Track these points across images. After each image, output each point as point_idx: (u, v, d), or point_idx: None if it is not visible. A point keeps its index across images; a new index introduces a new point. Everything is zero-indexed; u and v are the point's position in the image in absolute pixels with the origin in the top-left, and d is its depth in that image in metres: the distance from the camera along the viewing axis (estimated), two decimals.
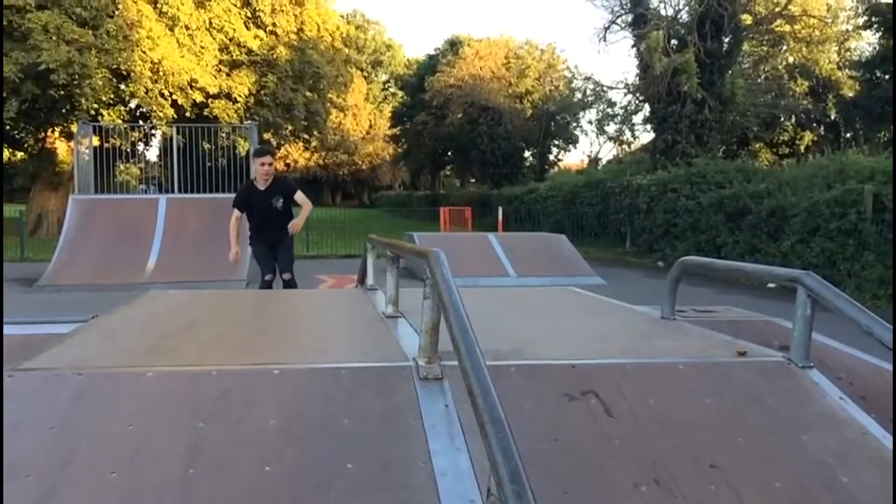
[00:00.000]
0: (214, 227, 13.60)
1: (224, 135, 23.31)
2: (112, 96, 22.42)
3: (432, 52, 49.89)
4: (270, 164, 6.89)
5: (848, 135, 28.41)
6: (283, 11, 25.60)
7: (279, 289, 7.04)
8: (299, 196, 7.07)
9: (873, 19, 26.01)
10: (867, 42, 28.22)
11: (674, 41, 21.15)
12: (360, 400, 2.36)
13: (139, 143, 24.01)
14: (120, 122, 21.79)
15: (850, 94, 27.77)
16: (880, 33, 25.98)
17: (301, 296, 5.16)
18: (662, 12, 21.86)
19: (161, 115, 22.45)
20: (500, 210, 24.04)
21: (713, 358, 2.84)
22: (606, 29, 22.79)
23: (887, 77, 25.32)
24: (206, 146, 20.35)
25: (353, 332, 3.40)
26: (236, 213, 7.06)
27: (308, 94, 27.55)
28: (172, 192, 15.75)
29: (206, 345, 2.98)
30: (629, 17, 22.21)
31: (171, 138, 17.18)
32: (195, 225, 13.47)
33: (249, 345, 3.01)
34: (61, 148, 26.83)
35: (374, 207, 55.43)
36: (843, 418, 2.43)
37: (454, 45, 45.95)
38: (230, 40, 24.29)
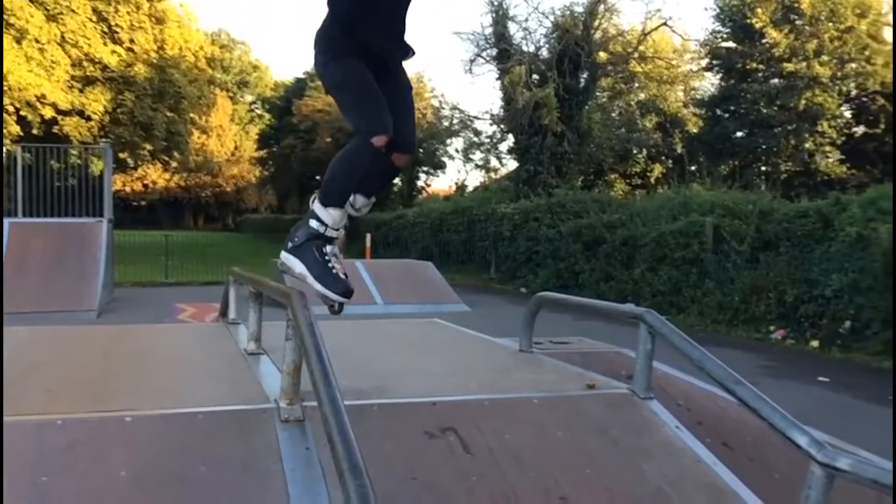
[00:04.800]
0: (62, 252, 12.85)
1: (76, 154, 22.03)
2: None
3: (300, 76, 49.39)
4: None
5: (692, 168, 30.59)
6: (142, 28, 24.66)
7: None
8: None
9: (714, 62, 28.35)
10: (709, 83, 30.65)
11: (535, 76, 22.09)
12: (218, 445, 2.32)
13: None
14: None
15: (695, 130, 29.96)
16: (720, 75, 28.34)
17: (158, 332, 4.97)
18: (524, 48, 22.80)
19: (5, 131, 20.94)
20: (368, 236, 24.05)
21: (565, 392, 3.00)
22: (472, 61, 23.50)
23: (727, 115, 27.60)
24: (56, 165, 19.16)
25: (212, 372, 3.32)
26: None
27: (169, 113, 26.68)
28: (16, 215, 14.68)
29: (51, 391, 2.82)
30: (494, 52, 22.99)
31: (16, 157, 16.05)
32: (41, 251, 12.65)
33: (100, 390, 2.88)
34: None
35: (238, 231, 53.90)
36: (679, 447, 2.64)
37: None
38: (84, 55, 23.10)
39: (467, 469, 2.39)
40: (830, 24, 24.60)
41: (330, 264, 2.91)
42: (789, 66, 24.70)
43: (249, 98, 68.44)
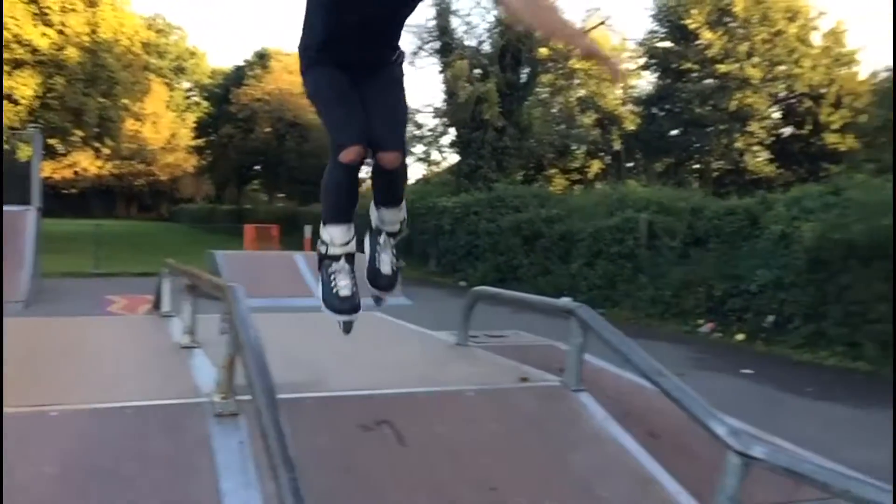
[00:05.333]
0: None
1: (2, 139, 21.19)
2: None
3: (240, 63, 48.46)
4: None
5: (629, 164, 31.25)
6: (73, 10, 23.81)
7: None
8: None
9: (651, 61, 29.00)
10: (647, 81, 31.33)
11: (477, 70, 22.20)
12: (148, 441, 2.30)
13: None
14: None
15: (632, 128, 30.58)
16: (657, 74, 29.00)
17: (87, 324, 4.84)
18: (467, 43, 22.89)
19: None
20: (308, 229, 23.80)
21: (499, 384, 3.06)
22: (415, 54, 23.43)
23: (663, 114, 28.28)
24: None
25: (143, 366, 3.27)
26: None
27: (101, 99, 25.86)
28: None
29: None
30: (436, 45, 23.00)
31: None
32: None
33: (25, 384, 2.81)
34: None
35: (173, 221, 52.65)
36: (605, 437, 2.73)
37: (263, 58, 44.98)
38: (13, 37, 22.21)
39: (401, 461, 2.42)
40: (762, 27, 25.44)
41: (332, 283, 2.79)
42: (722, 68, 25.44)
43: (186, 85, 66.74)
